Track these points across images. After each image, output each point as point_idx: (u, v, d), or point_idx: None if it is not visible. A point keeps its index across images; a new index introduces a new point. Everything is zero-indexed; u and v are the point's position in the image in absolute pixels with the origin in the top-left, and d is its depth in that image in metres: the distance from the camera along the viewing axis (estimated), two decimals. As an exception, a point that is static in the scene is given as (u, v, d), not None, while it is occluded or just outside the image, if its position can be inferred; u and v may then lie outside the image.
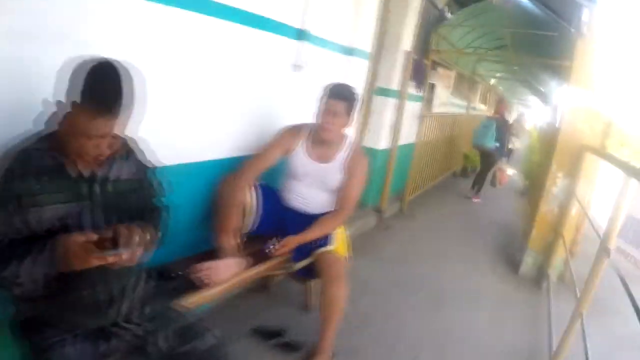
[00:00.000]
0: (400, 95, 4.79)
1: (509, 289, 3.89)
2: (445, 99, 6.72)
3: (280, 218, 2.57)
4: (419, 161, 5.78)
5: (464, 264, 4.27)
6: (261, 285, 2.95)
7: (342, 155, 2.46)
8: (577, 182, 3.73)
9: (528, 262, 4.15)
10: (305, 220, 2.45)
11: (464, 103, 8.89)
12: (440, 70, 6.09)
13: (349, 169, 2.45)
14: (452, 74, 7.08)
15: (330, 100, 2.31)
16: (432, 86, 5.96)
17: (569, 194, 3.80)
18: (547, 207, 3.97)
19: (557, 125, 4.45)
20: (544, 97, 13.59)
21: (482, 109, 11.80)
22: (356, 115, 2.46)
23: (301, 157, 2.47)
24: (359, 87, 3.70)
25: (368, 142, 4.81)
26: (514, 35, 5.65)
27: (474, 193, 7.19)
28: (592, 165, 3.78)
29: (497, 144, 6.86)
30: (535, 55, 6.27)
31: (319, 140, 2.42)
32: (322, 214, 2.49)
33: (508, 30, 5.47)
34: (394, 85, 4.69)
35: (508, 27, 5.46)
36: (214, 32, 2.21)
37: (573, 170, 3.76)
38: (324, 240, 2.42)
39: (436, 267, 4.04)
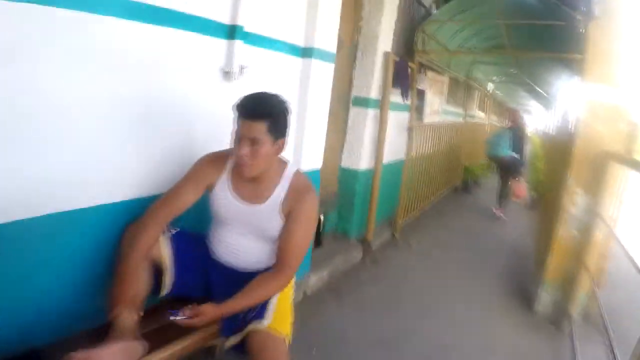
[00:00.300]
0: (381, 105, 4.10)
1: (522, 335, 3.13)
2: (438, 107, 6.01)
3: (204, 275, 1.90)
4: (411, 179, 5.07)
5: (467, 306, 3.51)
6: (203, 351, 2.23)
7: (278, 192, 1.77)
8: (601, 198, 3.01)
9: (544, 299, 3.40)
10: (237, 278, 1.78)
11: (461, 111, 8.18)
12: (430, 74, 5.40)
13: (290, 211, 1.75)
14: (445, 79, 6.38)
15: (242, 122, 1.62)
16: (422, 93, 5.27)
17: (592, 214, 3.07)
18: (566, 232, 3.22)
19: (569, 129, 3.73)
20: (545, 101, 12.91)
21: (481, 117, 11.08)
22: (290, 132, 1.78)
23: (225, 197, 1.79)
24: (323, 96, 3.02)
25: (346, 163, 4.12)
26: (511, 29, 4.94)
27: (498, 206, 6.73)
28: (618, 177, 3.06)
29: (516, 154, 6.42)
30: (537, 51, 5.58)
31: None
32: (261, 271, 1.79)
33: (504, 23, 4.76)
34: (373, 93, 4.01)
35: (504, 20, 4.76)
36: (99, 32, 1.59)
37: (595, 185, 3.04)
38: (258, 311, 1.71)
39: (432, 313, 3.29)
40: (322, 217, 3.85)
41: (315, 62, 2.83)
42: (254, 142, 1.61)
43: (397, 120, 4.54)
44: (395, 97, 4.34)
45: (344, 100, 3.97)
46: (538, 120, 19.26)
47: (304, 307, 3.03)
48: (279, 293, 1.78)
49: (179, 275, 1.82)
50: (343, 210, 4.18)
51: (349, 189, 4.12)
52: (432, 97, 5.61)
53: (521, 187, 7.26)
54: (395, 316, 3.16)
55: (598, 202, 3.03)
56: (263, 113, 1.61)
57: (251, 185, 1.76)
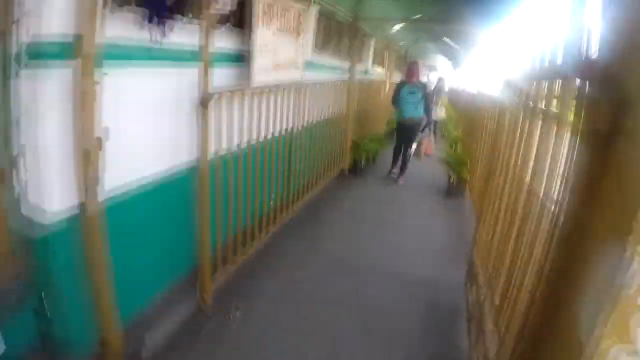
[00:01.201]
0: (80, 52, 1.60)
1: None
2: (294, 56, 3.59)
3: None
4: (224, 195, 2.69)
5: None
6: None
7: None
8: None
9: None
10: None
11: (345, 65, 5.80)
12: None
13: None
14: (307, 10, 3.89)
15: None
16: (242, 28, 2.83)
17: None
18: None
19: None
20: (456, 55, 11.02)
21: (379, 73, 8.81)
22: None
23: None
24: None
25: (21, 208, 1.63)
26: None
27: (399, 174, 6.00)
28: None
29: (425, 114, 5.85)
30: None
31: None
32: None
33: None
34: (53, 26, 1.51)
35: None
36: None
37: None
38: None
39: None
40: None
41: None
42: None
43: (153, 87, 2.07)
44: (125, 30, 1.86)
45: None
46: (447, 78, 17.63)
47: None
48: None
49: None
50: (50, 305, 1.73)
51: (43, 260, 1.66)
52: (274, 39, 3.17)
53: (430, 145, 7.62)
54: None
55: None
56: None
57: None
